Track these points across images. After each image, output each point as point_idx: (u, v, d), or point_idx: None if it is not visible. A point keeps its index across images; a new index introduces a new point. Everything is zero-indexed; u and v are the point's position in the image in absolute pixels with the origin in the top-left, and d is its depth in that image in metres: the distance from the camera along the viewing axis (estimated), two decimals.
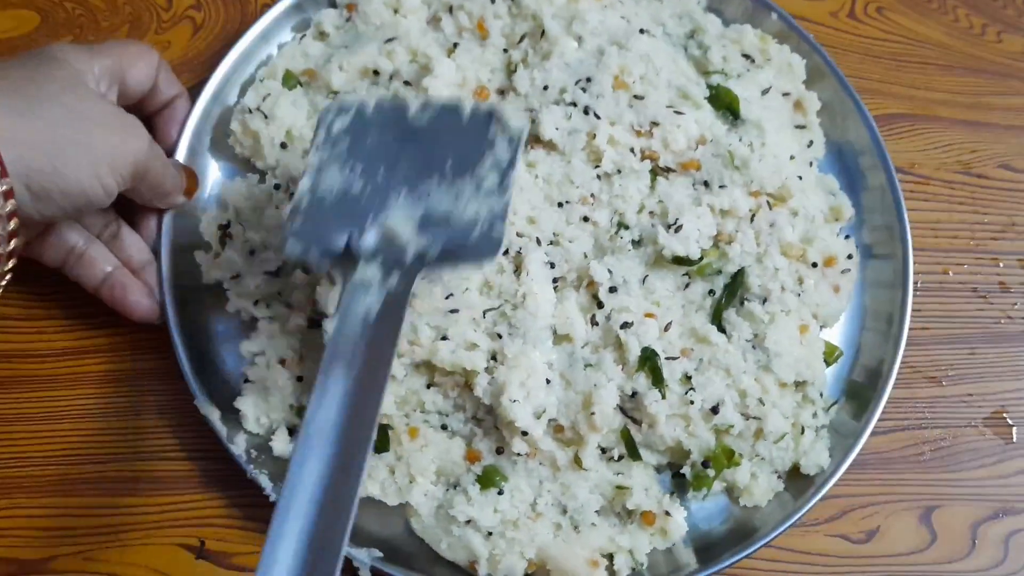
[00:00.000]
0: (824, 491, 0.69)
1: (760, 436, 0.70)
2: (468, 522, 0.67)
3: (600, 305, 0.70)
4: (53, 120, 0.58)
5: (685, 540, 0.70)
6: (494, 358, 0.67)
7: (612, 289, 0.70)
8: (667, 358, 0.69)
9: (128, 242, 0.71)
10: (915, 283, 0.81)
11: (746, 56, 0.79)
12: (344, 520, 0.49)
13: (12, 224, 0.57)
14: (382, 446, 0.68)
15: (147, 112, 0.73)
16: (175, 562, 0.69)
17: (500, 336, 0.67)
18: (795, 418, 0.71)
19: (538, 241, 0.70)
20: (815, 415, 0.73)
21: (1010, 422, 0.78)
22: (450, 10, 0.78)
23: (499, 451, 0.69)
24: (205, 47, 0.82)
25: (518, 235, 0.70)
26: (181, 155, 0.73)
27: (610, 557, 0.68)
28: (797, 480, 0.71)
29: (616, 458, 0.70)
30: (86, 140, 0.59)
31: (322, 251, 0.60)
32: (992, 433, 0.78)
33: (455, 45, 0.77)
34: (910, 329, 0.77)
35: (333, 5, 0.80)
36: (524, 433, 0.66)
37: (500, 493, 0.68)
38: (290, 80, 0.76)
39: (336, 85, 0.75)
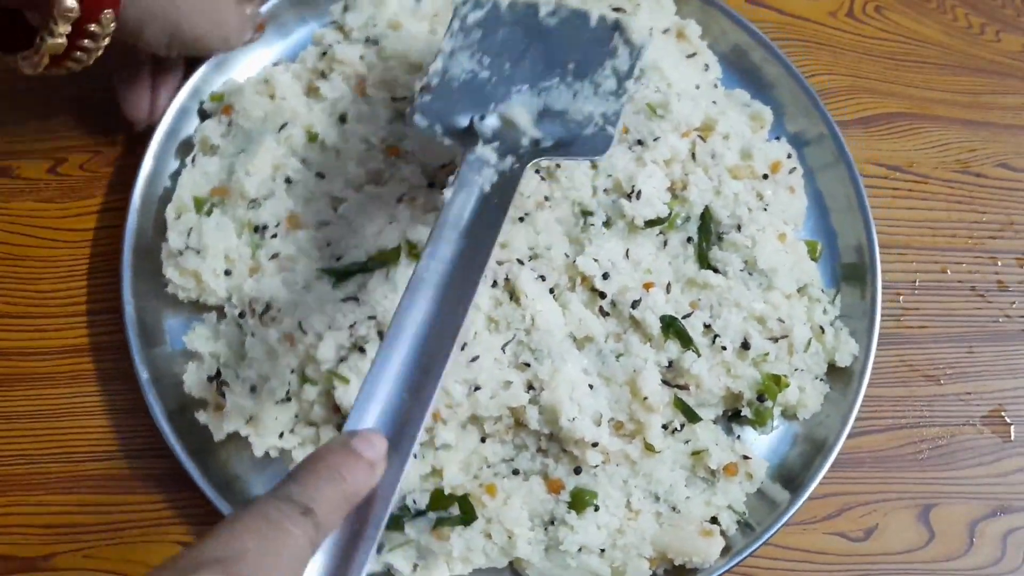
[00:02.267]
0: (868, 371, 0.73)
1: (792, 351, 0.72)
2: (580, 550, 0.66)
3: (602, 295, 0.70)
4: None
5: (771, 475, 0.71)
6: (531, 387, 0.67)
7: (605, 276, 0.71)
8: (683, 317, 0.71)
9: (169, 63, 0.76)
10: (913, 282, 0.82)
11: (617, 9, 0.81)
12: (439, 368, 0.52)
13: (107, 40, 0.65)
14: (468, 517, 0.66)
15: None
16: None
17: (528, 365, 0.67)
18: (811, 322, 0.74)
19: (519, 261, 0.70)
20: (825, 311, 0.75)
21: (1008, 420, 0.79)
22: (323, 75, 0.78)
23: (576, 471, 0.68)
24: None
25: (499, 263, 0.70)
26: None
27: (715, 520, 0.69)
28: (838, 377, 0.74)
29: (679, 428, 0.70)
30: (176, 23, 0.69)
31: (445, 128, 0.65)
32: (990, 431, 0.78)
33: (342, 117, 0.77)
34: (908, 329, 0.77)
35: (203, 116, 0.78)
36: (593, 444, 0.67)
37: (596, 509, 0.67)
38: (203, 205, 0.73)
39: (252, 192, 0.73)
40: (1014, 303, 0.82)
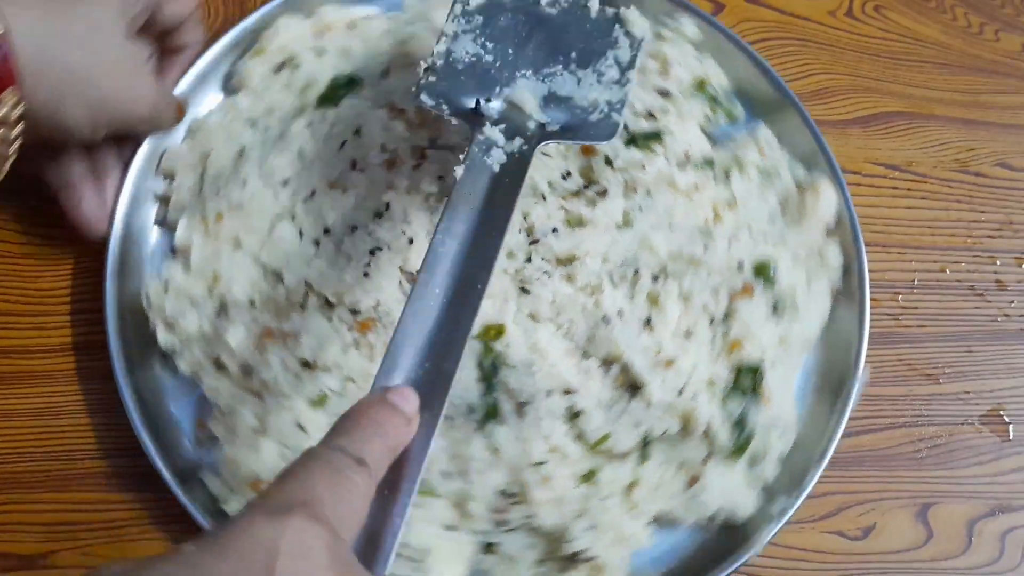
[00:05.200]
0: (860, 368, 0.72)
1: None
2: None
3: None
4: (69, 64, 0.61)
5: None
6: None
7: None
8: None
9: (103, 151, 0.72)
10: (912, 281, 0.82)
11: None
12: (465, 327, 0.54)
13: (18, 128, 0.61)
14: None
15: (162, 48, 0.74)
16: None
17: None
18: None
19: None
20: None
21: (1007, 420, 0.79)
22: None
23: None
24: (204, 45, 0.82)
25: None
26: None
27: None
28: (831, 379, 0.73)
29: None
30: (92, 93, 0.63)
31: (452, 108, 0.65)
32: (989, 431, 0.78)
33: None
34: (907, 328, 0.77)
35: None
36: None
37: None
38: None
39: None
40: (1013, 302, 0.82)
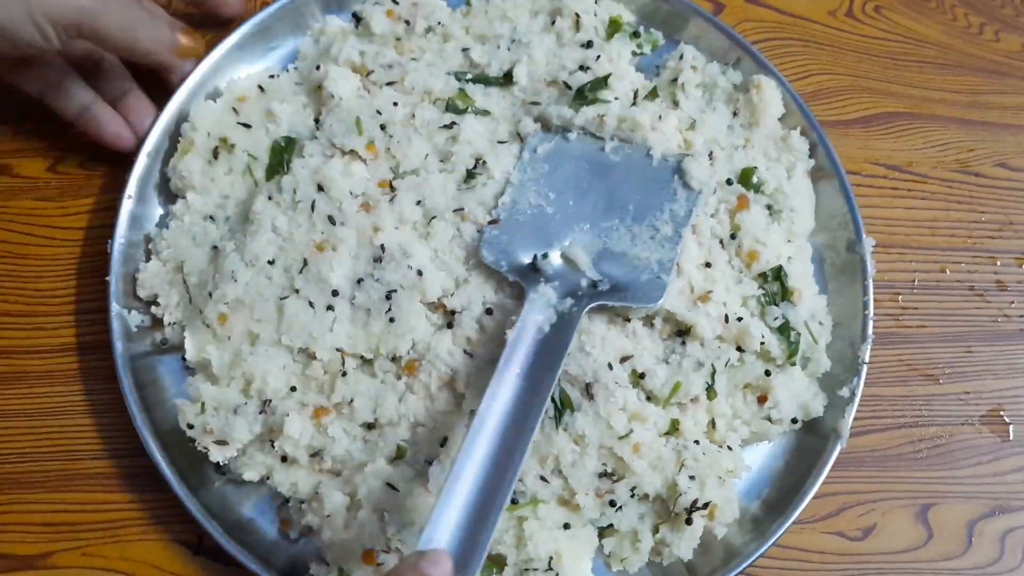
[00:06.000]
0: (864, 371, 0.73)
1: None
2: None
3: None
4: None
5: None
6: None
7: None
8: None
9: (110, 73, 0.71)
10: (912, 281, 0.82)
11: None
12: (503, 494, 0.57)
13: None
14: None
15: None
16: (173, 558, 0.69)
17: None
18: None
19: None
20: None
21: (1007, 420, 0.79)
22: None
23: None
24: (205, 44, 0.82)
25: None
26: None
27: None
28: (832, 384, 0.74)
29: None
30: None
31: (510, 264, 0.68)
32: (989, 431, 0.78)
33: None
34: (907, 328, 0.77)
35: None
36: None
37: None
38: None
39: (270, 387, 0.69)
40: (1013, 303, 0.82)
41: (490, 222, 0.70)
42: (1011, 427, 0.78)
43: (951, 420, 0.78)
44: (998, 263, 0.83)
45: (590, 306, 0.66)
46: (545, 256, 0.69)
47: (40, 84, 0.69)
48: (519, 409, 0.61)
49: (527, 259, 0.69)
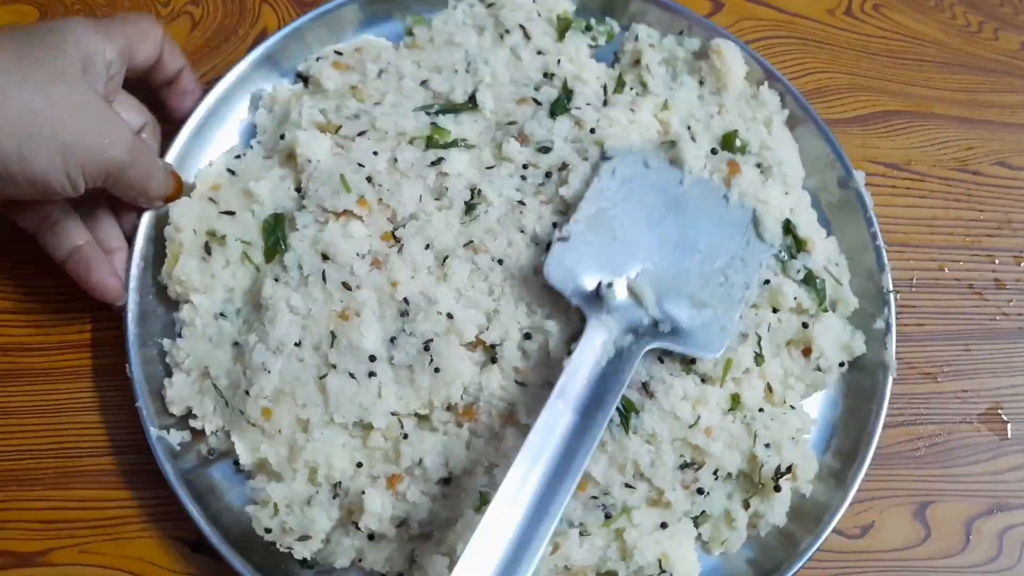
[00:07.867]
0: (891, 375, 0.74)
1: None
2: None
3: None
4: (31, 108, 0.59)
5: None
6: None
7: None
8: None
9: (105, 223, 0.70)
10: (911, 280, 0.82)
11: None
12: (545, 530, 0.57)
13: None
14: None
15: (154, 85, 0.73)
16: (172, 555, 0.69)
17: None
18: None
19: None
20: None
21: (1005, 418, 0.79)
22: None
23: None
24: (203, 42, 0.82)
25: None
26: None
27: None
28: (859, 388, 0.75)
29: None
30: (60, 134, 0.60)
31: (573, 288, 0.66)
32: (987, 429, 0.78)
33: None
34: (905, 327, 0.77)
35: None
36: None
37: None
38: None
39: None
40: (1011, 301, 0.82)
41: (559, 238, 0.68)
42: (1009, 425, 0.78)
43: (949, 418, 0.78)
44: (996, 261, 0.84)
45: (648, 347, 0.65)
46: (610, 285, 0.66)
47: (37, 221, 0.68)
48: (568, 445, 0.60)
49: (591, 284, 0.67)
